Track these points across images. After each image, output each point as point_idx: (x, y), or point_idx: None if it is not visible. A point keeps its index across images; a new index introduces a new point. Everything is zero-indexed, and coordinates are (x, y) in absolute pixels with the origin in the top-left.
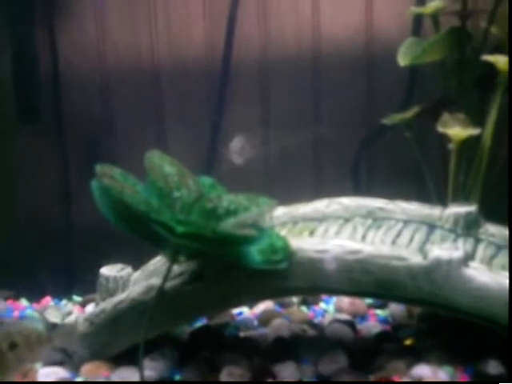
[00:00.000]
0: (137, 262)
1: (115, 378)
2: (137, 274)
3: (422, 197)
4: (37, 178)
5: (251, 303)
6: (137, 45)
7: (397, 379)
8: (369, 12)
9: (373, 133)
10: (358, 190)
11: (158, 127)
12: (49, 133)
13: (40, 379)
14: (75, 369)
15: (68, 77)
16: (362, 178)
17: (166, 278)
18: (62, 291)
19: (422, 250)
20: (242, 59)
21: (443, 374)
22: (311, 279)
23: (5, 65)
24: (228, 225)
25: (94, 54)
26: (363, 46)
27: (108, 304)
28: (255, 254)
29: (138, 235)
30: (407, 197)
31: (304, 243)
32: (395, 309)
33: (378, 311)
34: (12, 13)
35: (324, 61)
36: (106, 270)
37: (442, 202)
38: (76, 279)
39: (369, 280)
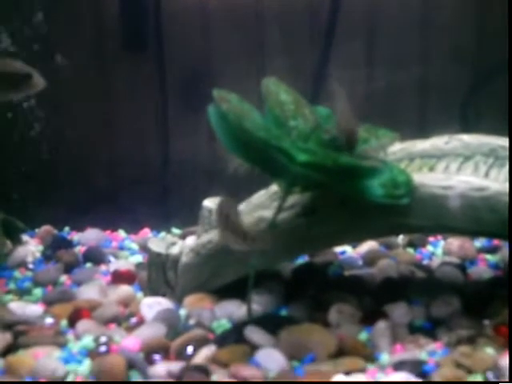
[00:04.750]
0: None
1: (219, 310)
2: (241, 207)
3: None
4: (136, 107)
5: (366, 239)
6: None
7: None
8: None
9: (483, 77)
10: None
11: (258, 62)
12: (150, 62)
13: (143, 309)
14: (178, 300)
15: (170, 8)
16: (470, 119)
17: (279, 209)
18: (160, 224)
19: None
20: None
21: None
22: (433, 217)
23: None
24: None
25: None
26: None
27: (214, 235)
28: (376, 187)
29: (254, 163)
30: None
31: (426, 178)
32: (507, 254)
33: (488, 256)
34: None
35: None
36: (209, 203)
37: None
38: (173, 212)
39: (493, 219)
